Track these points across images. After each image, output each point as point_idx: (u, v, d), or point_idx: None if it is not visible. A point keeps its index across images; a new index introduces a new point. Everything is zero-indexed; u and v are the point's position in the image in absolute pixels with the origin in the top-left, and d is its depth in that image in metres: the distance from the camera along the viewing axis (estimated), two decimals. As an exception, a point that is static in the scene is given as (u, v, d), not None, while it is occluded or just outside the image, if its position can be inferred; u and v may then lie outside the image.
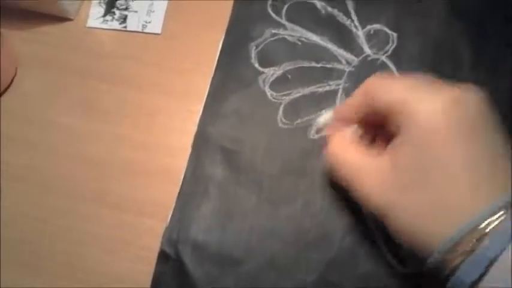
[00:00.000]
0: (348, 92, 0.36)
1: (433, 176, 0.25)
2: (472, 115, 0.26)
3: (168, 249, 0.33)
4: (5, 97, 0.39)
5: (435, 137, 0.25)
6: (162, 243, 0.33)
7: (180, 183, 0.35)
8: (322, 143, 0.35)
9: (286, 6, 0.39)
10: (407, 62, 0.37)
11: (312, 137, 0.35)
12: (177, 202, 0.34)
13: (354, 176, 0.29)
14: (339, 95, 0.36)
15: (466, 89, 0.26)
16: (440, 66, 0.36)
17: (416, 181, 0.26)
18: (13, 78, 0.39)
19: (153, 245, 0.34)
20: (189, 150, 0.36)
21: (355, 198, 0.29)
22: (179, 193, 0.35)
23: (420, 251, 0.26)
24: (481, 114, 0.26)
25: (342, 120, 0.32)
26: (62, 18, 0.40)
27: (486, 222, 0.24)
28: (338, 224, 0.33)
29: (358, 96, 0.30)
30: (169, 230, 0.34)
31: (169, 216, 0.34)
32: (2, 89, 0.38)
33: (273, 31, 0.39)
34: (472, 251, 0.24)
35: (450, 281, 0.25)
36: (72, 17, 0.40)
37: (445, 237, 0.24)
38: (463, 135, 0.25)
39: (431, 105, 0.26)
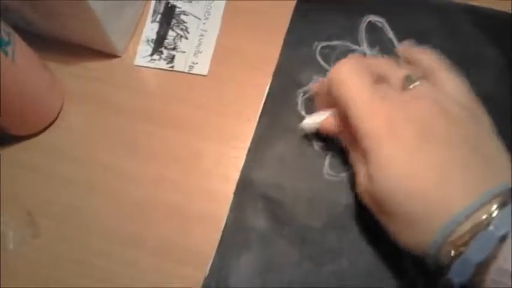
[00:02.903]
0: (397, 146, 0.35)
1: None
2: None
3: (206, 301, 0.32)
4: (49, 131, 0.39)
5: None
6: (200, 292, 0.32)
7: (221, 231, 0.34)
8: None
9: (335, 54, 0.39)
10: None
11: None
12: (217, 251, 0.34)
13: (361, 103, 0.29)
14: (387, 148, 0.35)
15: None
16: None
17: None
18: (59, 112, 0.39)
19: (189, 292, 0.33)
20: (231, 196, 0.35)
21: (350, 116, 0.29)
22: (220, 242, 0.34)
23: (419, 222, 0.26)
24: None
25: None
26: (109, 55, 0.41)
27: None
28: (384, 285, 0.32)
29: None
30: (208, 280, 0.33)
31: (209, 264, 0.33)
32: (47, 123, 0.39)
33: (321, 79, 0.38)
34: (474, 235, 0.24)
35: (455, 263, 0.24)
36: (120, 54, 0.41)
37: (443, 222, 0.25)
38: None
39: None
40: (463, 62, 0.31)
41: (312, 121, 0.34)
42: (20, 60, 0.34)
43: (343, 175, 0.35)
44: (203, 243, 0.34)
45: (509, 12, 0.38)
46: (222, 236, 0.34)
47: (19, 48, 0.34)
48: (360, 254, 0.33)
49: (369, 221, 0.33)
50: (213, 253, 0.33)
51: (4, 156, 0.38)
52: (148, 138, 0.38)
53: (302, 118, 0.37)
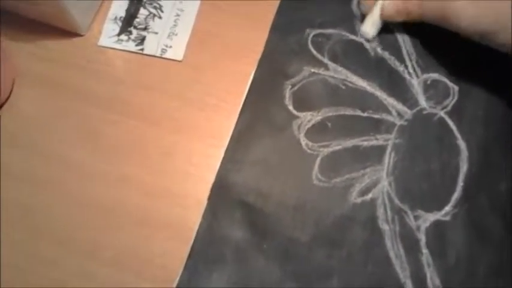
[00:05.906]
0: (398, 150, 0.31)
1: None
2: None
3: (170, 327, 0.27)
4: (-2, 117, 0.33)
5: None
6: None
7: (191, 243, 0.29)
8: (364, 209, 0.30)
9: (330, 43, 0.34)
10: (469, 122, 0.31)
11: (353, 200, 0.30)
12: (186, 266, 0.29)
13: None
14: (387, 152, 0.31)
15: None
16: (508, 132, 0.31)
17: None
18: (8, 96, 0.34)
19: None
20: (204, 202, 0.30)
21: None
22: (189, 255, 0.29)
23: None
24: None
25: None
26: (70, 33, 0.35)
27: None
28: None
29: None
30: (174, 301, 0.28)
31: (176, 281, 0.29)
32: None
33: (313, 70, 0.34)
34: None
35: None
36: (82, 33, 0.36)
37: None
38: None
39: None
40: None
41: (372, 20, 0.33)
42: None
43: (336, 181, 0.31)
44: (170, 255, 0.30)
45: None
46: (192, 248, 0.29)
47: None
48: (353, 274, 0.28)
49: (365, 234, 0.29)
50: (180, 268, 0.29)
51: None
52: (112, 130, 0.33)
53: (289, 113, 0.32)
